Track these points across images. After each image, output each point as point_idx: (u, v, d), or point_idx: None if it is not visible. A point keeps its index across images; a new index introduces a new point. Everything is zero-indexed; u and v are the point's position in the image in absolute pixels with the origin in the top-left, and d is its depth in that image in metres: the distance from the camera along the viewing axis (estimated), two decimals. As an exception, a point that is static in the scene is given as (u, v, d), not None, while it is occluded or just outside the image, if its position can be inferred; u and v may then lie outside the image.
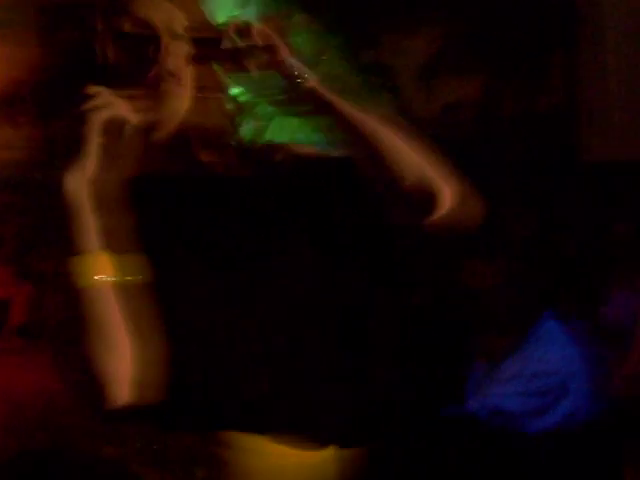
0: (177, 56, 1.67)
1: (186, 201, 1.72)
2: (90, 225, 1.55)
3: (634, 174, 6.54)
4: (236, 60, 1.70)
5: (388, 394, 1.73)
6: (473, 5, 7.54)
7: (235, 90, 1.73)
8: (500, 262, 4.96)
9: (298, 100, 1.70)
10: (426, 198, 1.70)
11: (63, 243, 1.57)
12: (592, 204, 6.87)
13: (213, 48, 1.70)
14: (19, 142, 8.42)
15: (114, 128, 1.54)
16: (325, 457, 1.68)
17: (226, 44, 1.69)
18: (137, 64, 1.65)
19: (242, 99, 1.77)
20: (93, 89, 1.56)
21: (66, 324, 1.56)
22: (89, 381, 1.53)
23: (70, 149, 1.54)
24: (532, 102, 7.72)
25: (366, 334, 1.71)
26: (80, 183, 1.54)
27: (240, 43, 1.72)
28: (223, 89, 1.71)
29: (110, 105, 1.55)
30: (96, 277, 1.54)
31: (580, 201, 7.00)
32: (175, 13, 1.68)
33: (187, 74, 1.68)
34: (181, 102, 1.68)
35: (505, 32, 7.52)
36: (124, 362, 1.54)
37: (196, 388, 1.62)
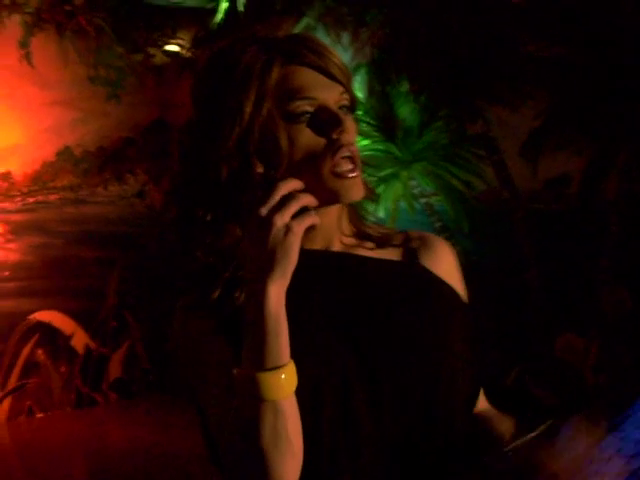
0: (351, 133, 1.63)
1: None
2: (285, 335, 1.51)
3: None
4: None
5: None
6: (579, 82, 7.53)
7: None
8: (598, 339, 4.86)
9: None
10: None
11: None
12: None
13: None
14: (122, 199, 8.48)
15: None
16: None
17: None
18: (316, 149, 1.61)
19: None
20: (289, 186, 1.51)
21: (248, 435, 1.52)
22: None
23: (273, 256, 1.47)
24: (636, 181, 7.64)
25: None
26: (284, 293, 1.50)
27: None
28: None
29: (308, 206, 1.52)
30: (289, 390, 1.50)
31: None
32: (340, 91, 1.66)
33: (357, 149, 1.65)
34: (357, 181, 1.64)
35: (612, 113, 7.48)
36: (298, 462, 1.53)
37: (330, 457, 1.62)
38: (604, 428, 3.75)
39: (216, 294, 1.61)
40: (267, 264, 1.48)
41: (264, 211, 1.47)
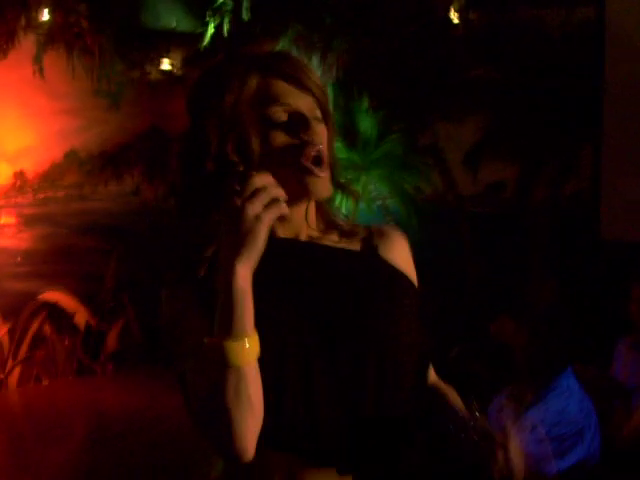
0: (320, 137, 1.66)
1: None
2: (251, 307, 1.51)
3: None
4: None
5: (405, 433, 1.71)
6: (513, 102, 7.57)
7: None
8: (527, 322, 4.90)
9: None
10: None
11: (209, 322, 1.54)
12: (608, 276, 6.82)
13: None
14: (120, 196, 8.44)
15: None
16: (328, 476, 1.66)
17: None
18: (288, 147, 1.63)
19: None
20: (261, 180, 1.51)
21: (209, 394, 1.52)
22: (226, 435, 1.52)
23: (243, 241, 1.48)
24: (561, 187, 7.70)
25: (396, 377, 1.70)
26: (251, 272, 1.51)
27: None
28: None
29: (278, 198, 1.51)
30: (251, 358, 1.51)
31: (598, 273, 6.95)
32: (312, 101, 1.68)
33: (326, 152, 1.67)
34: (325, 180, 1.67)
35: (541, 128, 7.53)
36: (258, 422, 1.54)
37: (290, 420, 1.62)
38: (530, 400, 3.81)
39: (202, 272, 1.62)
40: (237, 247, 1.49)
41: (238, 201, 1.48)
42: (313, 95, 1.68)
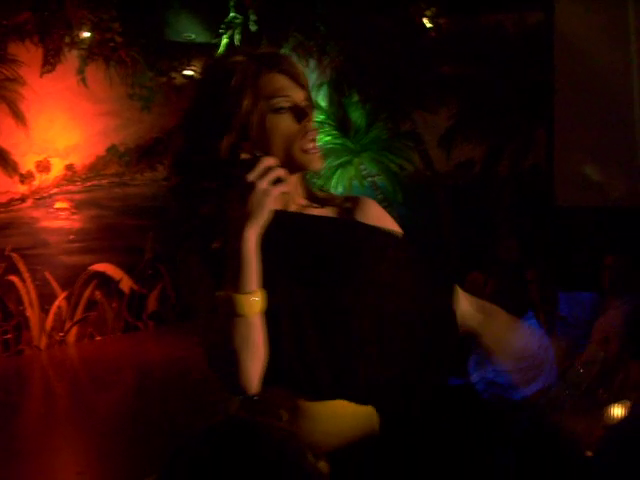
0: (313, 123, 1.68)
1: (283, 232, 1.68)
2: (258, 267, 1.52)
3: (595, 216, 6.57)
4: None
5: (409, 373, 1.69)
6: (481, 93, 7.55)
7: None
8: (494, 275, 4.90)
9: None
10: None
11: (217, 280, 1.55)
12: (561, 236, 6.84)
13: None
14: (154, 182, 8.43)
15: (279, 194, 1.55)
16: (366, 412, 1.68)
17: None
18: (291, 132, 1.64)
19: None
20: (269, 162, 1.54)
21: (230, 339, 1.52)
22: (234, 374, 1.52)
23: (248, 210, 1.50)
24: (521, 162, 7.69)
25: (392, 330, 1.68)
26: (258, 237, 1.52)
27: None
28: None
29: (281, 177, 1.54)
30: (257, 309, 1.52)
31: (551, 234, 6.97)
32: (305, 94, 1.69)
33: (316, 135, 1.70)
34: (320, 156, 1.69)
35: (503, 114, 7.52)
36: (261, 363, 1.54)
37: (288, 363, 1.60)
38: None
39: (216, 244, 1.61)
40: (248, 216, 1.50)
41: (250, 177, 1.50)
42: (305, 89, 1.69)
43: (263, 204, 1.50)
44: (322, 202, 1.78)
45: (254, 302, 1.51)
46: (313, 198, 1.77)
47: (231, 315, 1.50)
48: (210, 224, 1.63)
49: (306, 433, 1.54)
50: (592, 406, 3.84)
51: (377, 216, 1.80)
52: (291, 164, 1.63)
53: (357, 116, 7.95)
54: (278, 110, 1.63)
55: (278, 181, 1.53)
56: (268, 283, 1.56)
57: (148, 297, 8.31)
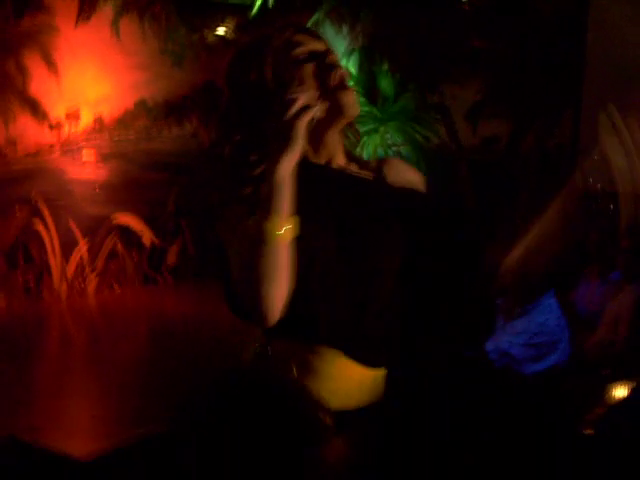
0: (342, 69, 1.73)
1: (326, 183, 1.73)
2: (289, 197, 1.54)
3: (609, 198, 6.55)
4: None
5: (429, 338, 1.73)
6: (508, 69, 7.52)
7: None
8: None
9: None
10: None
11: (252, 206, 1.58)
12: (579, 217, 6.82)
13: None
14: (180, 138, 8.42)
15: (311, 122, 1.57)
16: (374, 378, 1.71)
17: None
18: (320, 73, 1.69)
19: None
20: (301, 89, 1.59)
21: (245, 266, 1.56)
22: (256, 300, 1.54)
23: (283, 142, 1.53)
24: (547, 141, 7.66)
25: (412, 293, 1.72)
26: (291, 168, 1.54)
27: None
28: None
29: (313, 103, 1.56)
30: (288, 235, 1.53)
31: (573, 215, 6.95)
32: (334, 57, 1.75)
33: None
34: (354, 94, 1.73)
35: (532, 91, 7.48)
36: (284, 293, 1.55)
37: (303, 312, 1.63)
38: (517, 312, 3.86)
39: (247, 190, 1.64)
40: (283, 148, 1.53)
41: (289, 112, 1.53)
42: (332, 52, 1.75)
43: (297, 137, 1.53)
44: (358, 163, 1.82)
45: (283, 229, 1.53)
46: (350, 158, 1.81)
47: (260, 241, 1.53)
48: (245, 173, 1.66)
49: (313, 390, 1.57)
50: (596, 385, 3.88)
51: (409, 179, 1.84)
52: (327, 111, 1.67)
53: (386, 85, 7.93)
54: (306, 57, 1.69)
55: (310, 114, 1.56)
56: (307, 227, 1.58)
57: (168, 251, 8.37)
